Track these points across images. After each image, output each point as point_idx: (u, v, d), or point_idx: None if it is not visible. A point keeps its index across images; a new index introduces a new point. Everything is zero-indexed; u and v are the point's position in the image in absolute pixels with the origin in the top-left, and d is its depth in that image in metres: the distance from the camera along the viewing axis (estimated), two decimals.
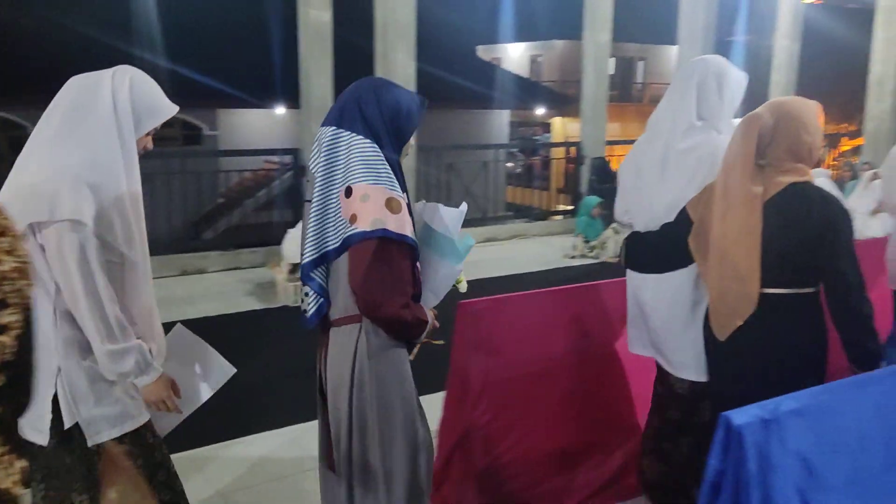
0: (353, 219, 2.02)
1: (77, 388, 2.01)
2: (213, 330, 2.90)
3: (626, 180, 2.95)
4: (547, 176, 11.88)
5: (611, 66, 10.37)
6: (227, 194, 13.98)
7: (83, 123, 2.00)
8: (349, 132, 2.09)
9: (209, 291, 6.79)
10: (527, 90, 23.43)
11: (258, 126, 17.36)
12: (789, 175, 2.37)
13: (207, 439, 3.80)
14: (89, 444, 2.04)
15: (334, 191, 2.07)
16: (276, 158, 11.01)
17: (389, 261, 2.02)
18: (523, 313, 3.05)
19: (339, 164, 2.07)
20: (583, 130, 10.70)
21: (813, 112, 2.41)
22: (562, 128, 25.35)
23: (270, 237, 7.68)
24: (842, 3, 14.86)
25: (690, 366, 2.72)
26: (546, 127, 27.66)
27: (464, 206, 2.33)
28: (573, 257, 8.29)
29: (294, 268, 6.29)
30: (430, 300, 2.31)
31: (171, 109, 2.14)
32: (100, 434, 2.05)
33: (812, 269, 2.37)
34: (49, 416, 1.99)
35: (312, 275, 2.13)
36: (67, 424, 2.01)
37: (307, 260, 2.11)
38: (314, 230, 2.09)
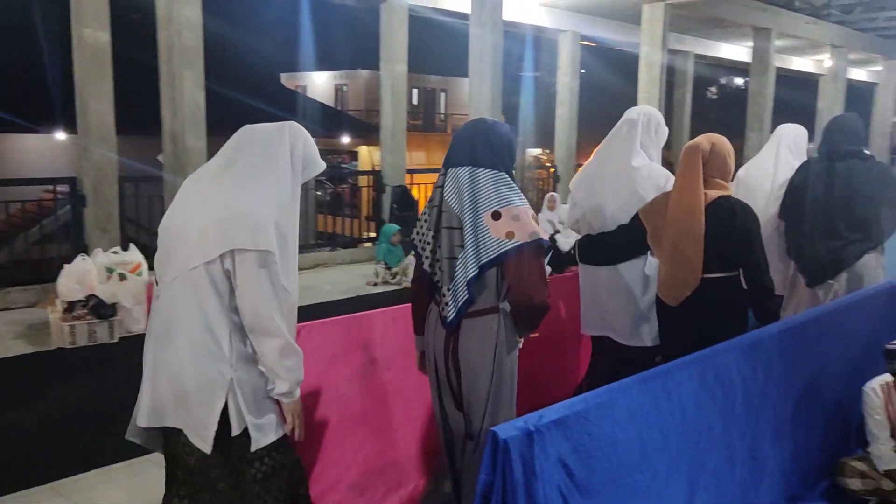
0: (509, 235, 2.49)
1: (248, 398, 2.24)
2: None
3: (578, 196, 3.78)
4: (356, 204, 11.92)
5: (414, 96, 10.68)
6: None
7: (270, 171, 2.31)
8: (483, 168, 2.57)
9: None
10: (332, 118, 23.41)
11: (34, 152, 15.87)
12: (718, 190, 3.25)
13: None
14: (253, 448, 2.26)
15: (480, 217, 2.52)
16: (52, 187, 10.07)
17: (539, 261, 2.56)
18: (316, 341, 3.01)
19: (481, 195, 2.54)
20: (383, 159, 10.89)
21: (729, 144, 3.36)
22: (368, 156, 25.62)
23: (45, 274, 7.02)
24: (613, 46, 16.42)
25: (645, 335, 3.56)
26: (353, 155, 27.81)
27: None
28: (375, 284, 8.37)
29: (70, 306, 5.78)
30: None
31: (323, 165, 2.48)
32: (266, 437, 2.28)
33: (735, 259, 3.24)
34: (215, 426, 2.20)
35: (470, 286, 2.53)
36: (236, 431, 2.22)
37: (471, 275, 2.52)
38: (472, 251, 2.52)
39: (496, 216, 2.51)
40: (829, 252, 4.25)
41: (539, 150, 29.83)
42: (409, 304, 2.87)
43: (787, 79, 20.98)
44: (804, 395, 3.27)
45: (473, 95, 10.26)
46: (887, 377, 3.37)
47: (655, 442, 2.40)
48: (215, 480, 2.29)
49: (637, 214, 3.42)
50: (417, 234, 2.71)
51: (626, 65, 14.57)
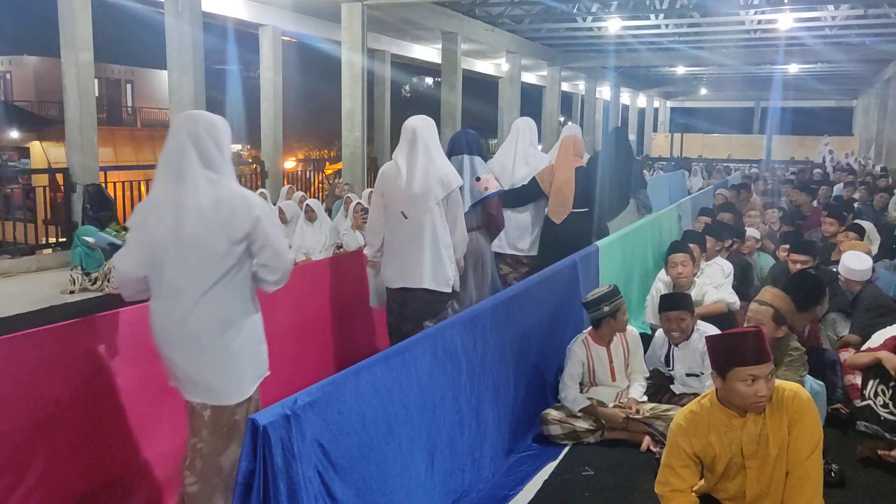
0: (485, 189, 4.58)
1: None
2: None
3: (495, 169, 5.40)
4: (31, 206, 10.56)
5: (95, 87, 9.78)
6: None
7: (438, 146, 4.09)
8: (469, 155, 4.67)
9: None
10: None
11: None
12: (578, 163, 5.59)
13: None
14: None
15: (470, 180, 4.57)
16: None
17: (499, 202, 4.75)
18: (12, 359, 2.68)
19: (469, 168, 4.60)
20: (70, 156, 9.86)
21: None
22: (43, 153, 22.78)
23: None
24: (316, 44, 16.63)
25: (535, 248, 5.67)
26: (23, 152, 24.54)
27: None
28: (72, 292, 7.59)
29: None
30: None
31: None
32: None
33: (589, 201, 5.54)
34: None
35: (467, 214, 4.39)
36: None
37: (475, 201, 4.59)
38: (468, 197, 4.50)
39: (478, 179, 4.60)
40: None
41: (239, 146, 29.11)
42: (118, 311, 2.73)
43: (473, 80, 23.00)
44: (514, 359, 3.73)
45: (174, 89, 9.72)
46: (584, 334, 3.98)
47: (399, 415, 2.59)
48: None
49: (534, 179, 5.56)
50: None
51: (330, 62, 14.84)
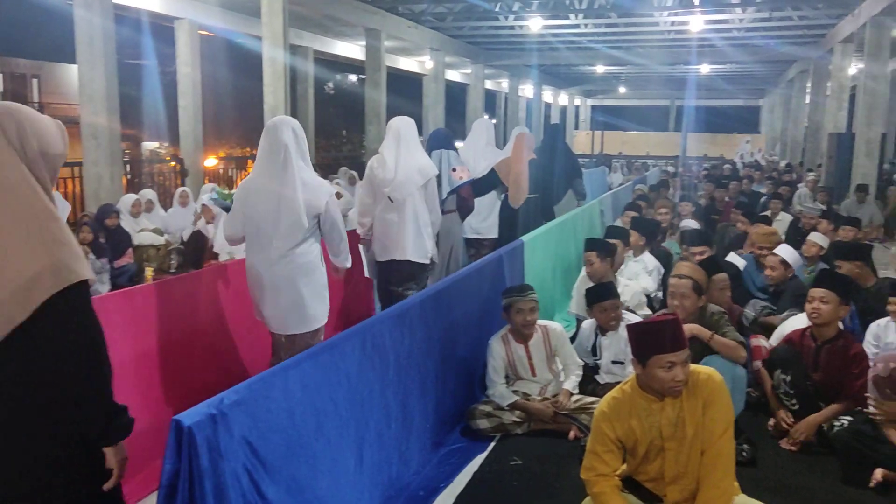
0: (460, 178, 5.33)
1: None
2: None
3: (467, 159, 6.25)
4: None
5: None
6: None
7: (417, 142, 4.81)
8: (446, 150, 5.39)
9: None
10: None
11: None
12: (530, 155, 6.71)
13: None
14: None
15: (445, 170, 5.24)
16: None
17: (471, 188, 5.56)
18: None
19: (446, 161, 5.31)
20: None
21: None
22: None
23: None
24: (237, 39, 16.30)
25: (494, 229, 6.68)
26: None
27: None
28: None
29: None
30: None
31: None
32: None
33: (539, 188, 6.75)
34: None
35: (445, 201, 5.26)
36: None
37: (445, 196, 5.26)
38: (447, 183, 5.26)
39: (454, 170, 5.33)
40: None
41: (157, 144, 28.15)
42: None
43: (398, 77, 22.97)
44: (441, 354, 3.76)
45: (84, 84, 9.33)
46: (504, 331, 4.04)
47: (328, 410, 2.59)
48: None
49: (493, 170, 6.44)
50: None
51: (252, 58, 14.52)
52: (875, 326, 4.31)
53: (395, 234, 4.68)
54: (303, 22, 15.15)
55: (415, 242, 4.68)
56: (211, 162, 17.79)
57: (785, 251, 5.22)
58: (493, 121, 24.75)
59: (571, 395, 3.98)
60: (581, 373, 4.15)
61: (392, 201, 4.64)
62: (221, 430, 2.03)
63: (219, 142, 31.47)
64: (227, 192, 5.38)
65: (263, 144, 3.71)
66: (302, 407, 2.46)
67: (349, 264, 3.95)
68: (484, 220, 6.62)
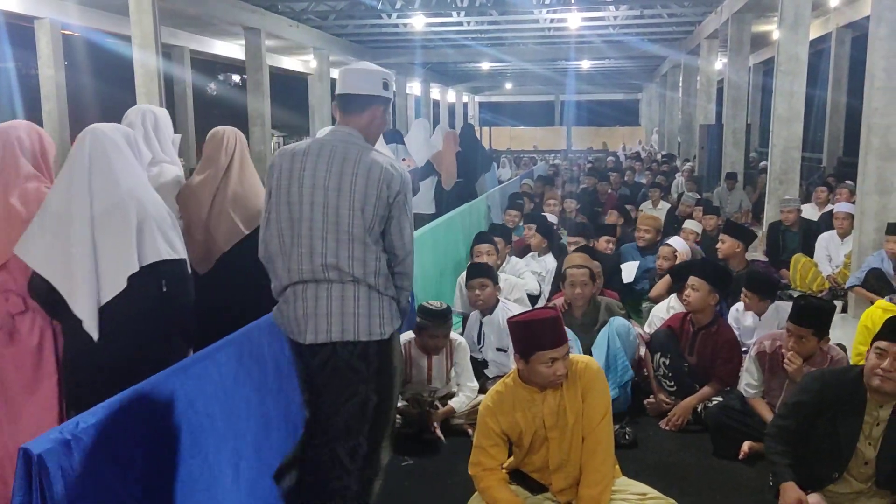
0: (409, 166, 6.09)
1: None
2: None
3: (411, 151, 8.62)
4: None
5: None
6: None
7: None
8: (397, 144, 8.54)
9: None
10: None
11: None
12: (457, 148, 8.52)
13: None
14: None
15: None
16: None
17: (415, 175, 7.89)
18: None
19: (398, 153, 8.07)
20: None
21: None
22: None
23: None
24: (105, 39, 15.44)
25: (431, 205, 8.36)
26: None
27: None
28: None
29: None
30: None
31: None
32: None
33: (462, 174, 8.51)
34: None
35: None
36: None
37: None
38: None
39: (404, 160, 6.89)
40: None
41: None
42: None
43: (282, 77, 22.49)
44: None
45: None
46: (409, 336, 3.97)
47: (204, 425, 2.46)
48: None
49: (429, 160, 8.36)
50: None
51: (123, 59, 13.78)
52: (734, 311, 4.60)
53: None
54: (177, 20, 14.55)
55: None
56: None
57: (677, 243, 5.53)
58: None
59: (453, 411, 3.90)
60: (473, 395, 3.99)
61: None
62: (77, 456, 1.89)
63: None
64: None
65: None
66: (175, 423, 2.32)
67: None
68: (423, 199, 8.18)
